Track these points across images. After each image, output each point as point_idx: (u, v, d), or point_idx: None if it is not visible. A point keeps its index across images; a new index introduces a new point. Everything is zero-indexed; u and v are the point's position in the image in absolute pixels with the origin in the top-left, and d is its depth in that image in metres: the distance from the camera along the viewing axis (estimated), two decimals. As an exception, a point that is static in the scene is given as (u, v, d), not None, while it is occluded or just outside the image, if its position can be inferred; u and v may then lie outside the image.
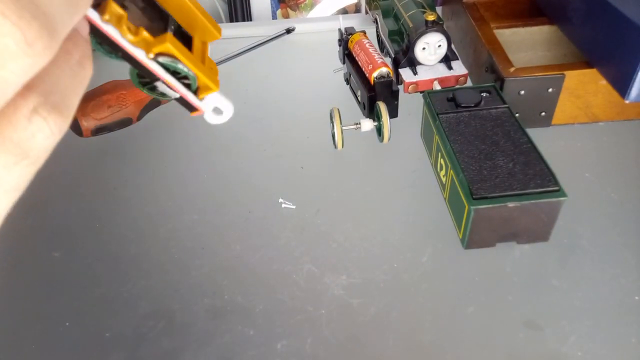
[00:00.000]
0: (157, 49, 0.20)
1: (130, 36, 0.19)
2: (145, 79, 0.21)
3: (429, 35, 0.47)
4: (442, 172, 0.40)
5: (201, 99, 0.22)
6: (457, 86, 0.49)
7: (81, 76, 0.16)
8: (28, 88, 0.14)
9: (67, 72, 0.15)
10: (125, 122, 0.50)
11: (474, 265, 0.36)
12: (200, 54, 0.22)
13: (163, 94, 0.22)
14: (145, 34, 0.20)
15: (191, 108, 0.23)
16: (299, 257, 0.38)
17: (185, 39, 0.22)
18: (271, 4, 0.74)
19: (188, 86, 0.22)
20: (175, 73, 0.21)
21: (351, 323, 0.33)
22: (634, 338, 0.32)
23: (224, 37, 0.74)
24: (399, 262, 0.37)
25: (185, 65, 0.21)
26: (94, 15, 0.18)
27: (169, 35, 0.20)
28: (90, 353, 0.33)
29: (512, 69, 0.45)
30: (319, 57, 0.62)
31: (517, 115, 0.42)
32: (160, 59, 0.20)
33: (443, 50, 0.48)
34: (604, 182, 0.42)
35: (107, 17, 0.18)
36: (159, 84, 0.21)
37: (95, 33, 0.18)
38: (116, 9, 0.19)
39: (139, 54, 0.20)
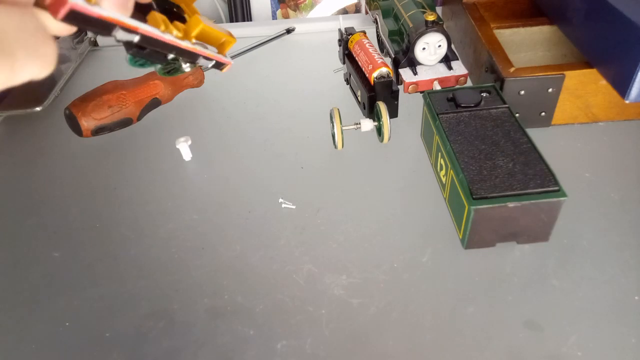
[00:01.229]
0: (195, 33, 0.23)
1: (176, 32, 0.22)
2: (170, 67, 0.24)
3: (429, 35, 0.47)
4: (442, 172, 0.40)
5: (224, 55, 0.26)
6: (457, 86, 0.49)
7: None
8: None
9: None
10: (125, 122, 0.50)
11: (474, 265, 0.36)
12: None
13: (181, 66, 0.25)
14: (177, 26, 0.22)
15: (221, 65, 0.27)
16: (299, 257, 0.38)
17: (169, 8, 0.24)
18: (271, 4, 0.74)
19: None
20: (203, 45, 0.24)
21: (351, 323, 0.33)
22: (634, 338, 0.32)
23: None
24: (399, 262, 0.37)
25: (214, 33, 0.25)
26: (156, 31, 0.20)
27: (196, 17, 0.23)
28: (90, 353, 0.33)
29: (512, 69, 0.45)
30: (319, 57, 0.62)
31: (517, 115, 0.42)
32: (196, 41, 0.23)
33: (443, 50, 0.48)
34: (604, 182, 0.42)
35: (162, 27, 0.21)
36: (199, 61, 0.24)
37: (149, 44, 0.20)
38: (160, 16, 0.21)
39: (187, 45, 0.23)
